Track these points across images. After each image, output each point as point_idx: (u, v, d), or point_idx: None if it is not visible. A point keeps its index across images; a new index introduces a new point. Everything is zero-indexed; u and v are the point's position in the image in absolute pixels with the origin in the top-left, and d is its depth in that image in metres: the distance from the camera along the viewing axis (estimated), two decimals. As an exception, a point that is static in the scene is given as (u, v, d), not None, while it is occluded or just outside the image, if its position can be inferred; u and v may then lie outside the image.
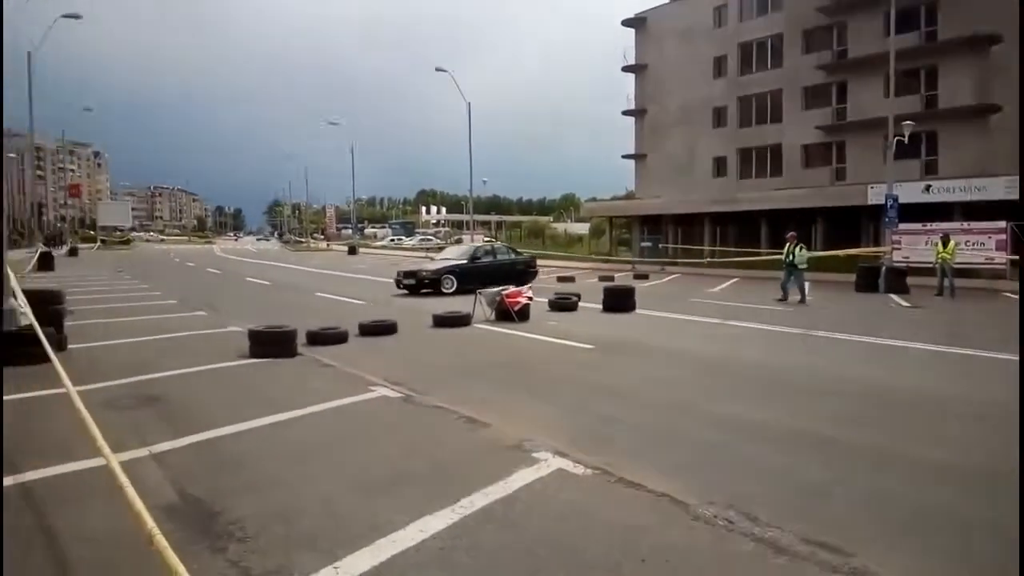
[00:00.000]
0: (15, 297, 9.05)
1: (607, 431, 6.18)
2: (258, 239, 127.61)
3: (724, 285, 25.01)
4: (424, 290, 19.75)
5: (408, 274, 20.59)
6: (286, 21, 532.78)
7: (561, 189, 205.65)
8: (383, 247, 76.79)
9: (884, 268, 22.31)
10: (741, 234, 38.69)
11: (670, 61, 45.73)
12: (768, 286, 18.53)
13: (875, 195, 29.24)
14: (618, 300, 15.67)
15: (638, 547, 3.73)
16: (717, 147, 43.60)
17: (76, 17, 30.55)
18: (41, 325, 8.36)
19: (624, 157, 50.95)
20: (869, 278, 22.10)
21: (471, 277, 19.98)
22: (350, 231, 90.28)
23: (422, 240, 79.00)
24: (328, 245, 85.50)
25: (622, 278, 26.32)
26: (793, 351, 10.78)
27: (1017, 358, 8.82)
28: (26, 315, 8.56)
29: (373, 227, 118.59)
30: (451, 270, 20.47)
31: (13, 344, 8.48)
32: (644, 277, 28.14)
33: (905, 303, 18.31)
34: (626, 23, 48.78)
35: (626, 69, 49.11)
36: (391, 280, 25.19)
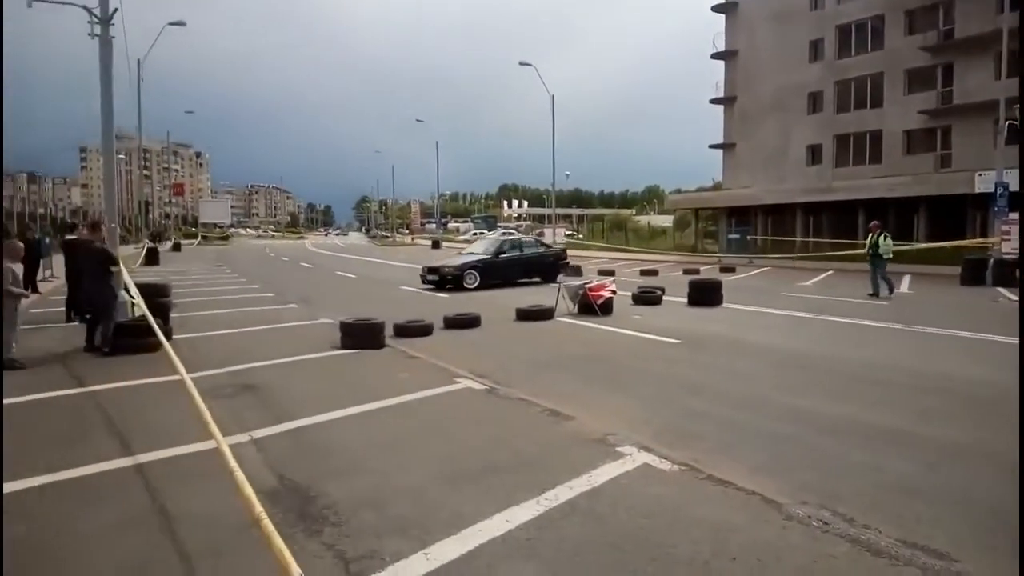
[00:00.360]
0: (127, 290, 9.68)
1: (693, 426, 6.06)
2: (336, 233, 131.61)
3: (817, 279, 24.04)
4: (448, 286, 19.13)
5: (432, 270, 20.10)
6: (374, 27, 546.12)
7: (644, 181, 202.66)
8: (466, 241, 77.71)
9: (992, 260, 20.95)
10: (836, 225, 37.03)
11: (762, 46, 44.20)
12: (865, 279, 17.67)
13: (983, 183, 27.35)
14: (704, 294, 15.32)
15: (728, 545, 3.64)
16: (812, 134, 41.85)
17: (181, 24, 32.25)
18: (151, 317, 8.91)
19: (712, 147, 49.66)
20: (975, 271, 20.81)
21: (495, 272, 19.82)
22: (434, 226, 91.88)
23: (503, 234, 79.42)
24: (413, 240, 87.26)
25: (708, 271, 25.71)
26: (887, 347, 10.27)
27: None
28: (139, 307, 9.13)
29: (456, 222, 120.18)
30: (474, 265, 19.96)
31: (126, 334, 9.08)
32: (731, 270, 27.38)
33: (1013, 297, 17.11)
34: (716, 9, 47.46)
35: (716, 56, 47.81)
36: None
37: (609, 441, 5.41)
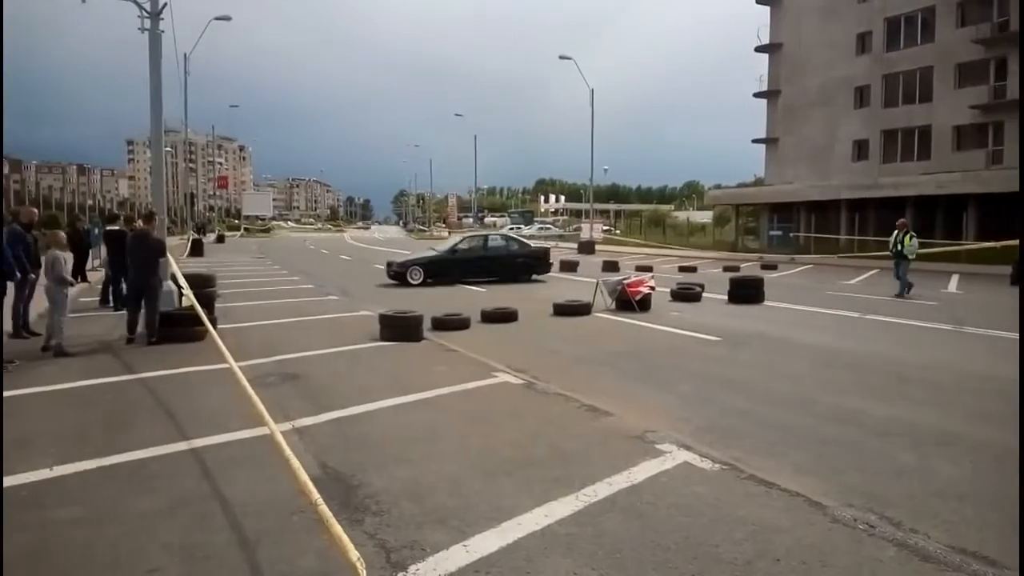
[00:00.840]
0: (175, 280, 9.91)
1: (734, 425, 5.99)
2: (372, 225, 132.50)
3: (862, 277, 23.53)
4: (395, 280, 19.25)
5: (389, 264, 20.34)
6: (413, 22, 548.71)
7: (683, 177, 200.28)
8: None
9: (1044, 260, 20.22)
10: (882, 222, 36.04)
11: (808, 39, 43.29)
12: (914, 278, 17.20)
13: (1037, 180, 26.42)
14: (745, 291, 15.10)
15: (772, 547, 3.59)
16: (858, 129, 40.88)
17: (227, 19, 32.90)
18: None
19: (754, 141, 48.95)
20: (1027, 271, 20.08)
21: (445, 269, 19.60)
22: (471, 220, 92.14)
23: (540, 228, 79.37)
24: (450, 234, 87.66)
25: (749, 268, 25.33)
26: (935, 347, 10.01)
27: None
28: (187, 296, 9.34)
29: (492, 216, 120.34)
30: (417, 262, 19.79)
31: (174, 323, 9.29)
32: (773, 267, 26.94)
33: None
34: (761, 1, 46.64)
35: (759, 49, 47.04)
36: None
37: (648, 438, 5.37)
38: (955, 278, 21.56)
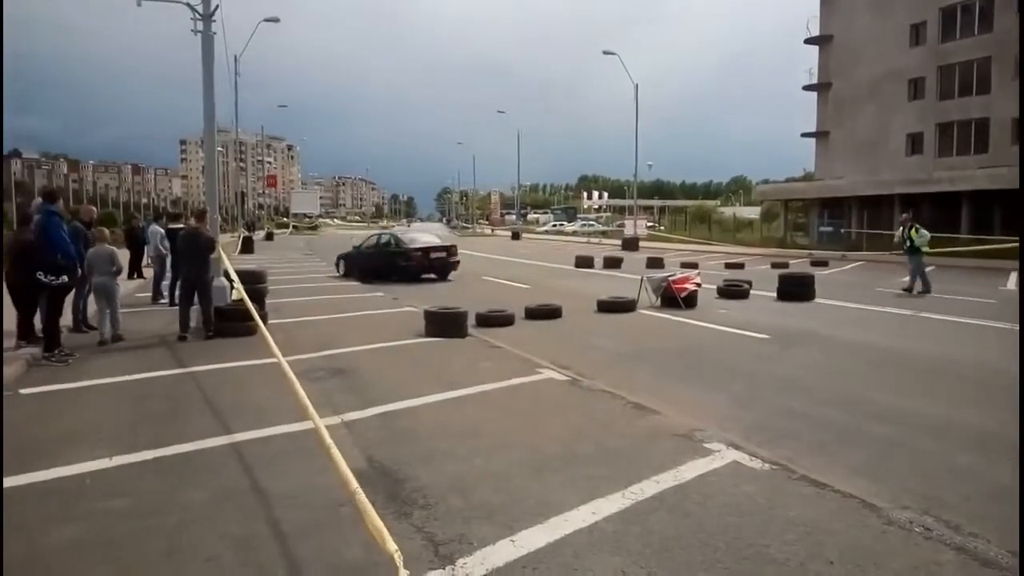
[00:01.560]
0: (227, 275, 10.14)
1: (785, 425, 5.87)
2: (419, 221, 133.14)
3: (915, 274, 22.81)
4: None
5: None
6: (458, 23, 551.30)
7: (730, 172, 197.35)
8: (545, 232, 77.68)
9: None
10: (937, 217, 34.96)
11: (860, 30, 42.12)
12: (969, 275, 16.62)
13: (1103, 173, 25.28)
14: (795, 288, 14.79)
15: (824, 549, 3.51)
16: (912, 122, 39.63)
17: (275, 20, 33.50)
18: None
19: (804, 135, 47.80)
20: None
21: (356, 264, 20.25)
22: (513, 217, 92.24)
23: (583, 225, 79.02)
24: (492, 230, 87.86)
25: (798, 265, 24.80)
26: (993, 346, 9.63)
27: None
28: (238, 291, 9.55)
29: (535, 213, 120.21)
30: (341, 256, 21.19)
31: (225, 318, 9.52)
32: (823, 264, 26.31)
33: None
34: (810, -7, 45.61)
35: (809, 41, 45.90)
36: (554, 265, 25.44)
37: (696, 437, 5.30)
38: (1013, 276, 20.76)
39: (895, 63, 40.00)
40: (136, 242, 16.79)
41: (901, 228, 16.98)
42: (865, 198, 39.04)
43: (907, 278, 16.66)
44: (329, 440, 3.88)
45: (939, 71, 38.24)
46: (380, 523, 2.93)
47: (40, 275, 7.94)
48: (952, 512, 4.00)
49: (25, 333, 8.43)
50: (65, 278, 8.07)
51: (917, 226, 16.91)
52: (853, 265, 27.42)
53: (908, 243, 16.72)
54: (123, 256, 10.34)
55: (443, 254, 20.03)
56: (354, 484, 3.30)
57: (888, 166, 39.73)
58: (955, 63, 37.41)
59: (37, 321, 9.19)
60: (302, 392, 4.96)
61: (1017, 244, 26.47)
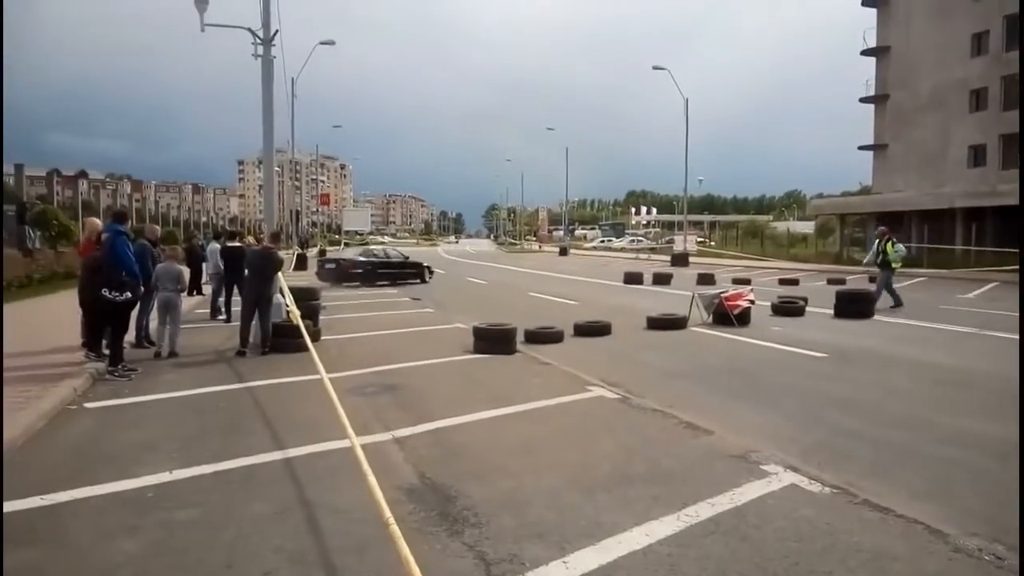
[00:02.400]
0: (282, 293, 10.38)
1: (843, 446, 5.70)
2: (466, 238, 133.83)
3: (980, 290, 22.01)
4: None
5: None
6: (505, 41, 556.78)
7: (782, 186, 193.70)
8: (593, 248, 77.41)
9: None
10: (1003, 232, 33.67)
11: (918, 41, 41.07)
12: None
13: None
14: (853, 305, 14.38)
15: (889, 577, 3.38)
16: (974, 134, 38.35)
17: (331, 43, 34.37)
18: (301, 319, 9.49)
19: (861, 148, 46.69)
20: None
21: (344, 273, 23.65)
22: (561, 233, 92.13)
23: (632, 241, 78.50)
24: (540, 247, 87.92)
25: (855, 281, 24.12)
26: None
27: None
28: (291, 309, 9.77)
29: (583, 229, 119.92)
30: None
31: (282, 334, 9.73)
32: (881, 280, 25.52)
33: None
34: (867, 3, 44.64)
35: (866, 53, 44.94)
36: (602, 281, 25.30)
37: (752, 458, 5.17)
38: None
39: (956, 73, 38.85)
40: (196, 260, 17.32)
41: (876, 241, 16.35)
42: (925, 212, 37.86)
43: (884, 296, 15.78)
44: (367, 466, 3.95)
45: (1003, 81, 36.94)
46: (410, 555, 2.95)
47: (105, 291, 8.27)
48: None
49: (92, 344, 8.77)
50: (129, 294, 8.38)
51: (894, 240, 16.34)
52: (914, 281, 26.53)
53: (881, 257, 16.10)
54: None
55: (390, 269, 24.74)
56: (387, 513, 3.33)
57: (949, 179, 38.52)
58: (1019, 73, 36.08)
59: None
60: (342, 411, 5.06)
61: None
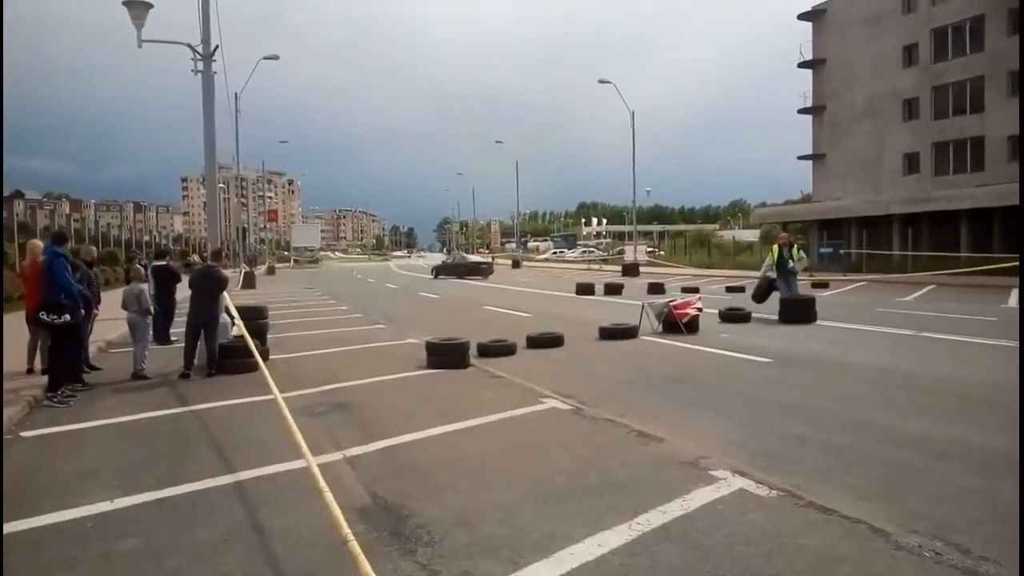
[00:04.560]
0: (228, 312, 10.16)
1: (790, 450, 5.83)
2: (418, 255, 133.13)
3: (917, 293, 22.84)
4: None
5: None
6: (455, 57, 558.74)
7: (728, 196, 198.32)
8: (546, 260, 77.88)
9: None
10: (936, 236, 35.13)
11: (852, 53, 42.66)
12: (972, 293, 16.61)
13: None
14: (796, 310, 14.77)
15: (834, 577, 3.47)
16: (908, 142, 39.96)
17: (275, 58, 33.99)
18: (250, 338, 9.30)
19: (800, 158, 48.12)
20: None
21: None
22: (513, 245, 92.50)
23: (583, 252, 79.24)
24: (493, 259, 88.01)
25: (799, 287, 24.76)
26: (997, 365, 9.58)
27: None
28: (239, 328, 9.57)
29: (535, 240, 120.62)
30: None
31: (228, 355, 9.52)
32: (824, 286, 26.32)
33: None
34: (803, 17, 46.17)
35: (803, 65, 46.44)
36: (555, 292, 25.50)
37: (701, 464, 5.26)
38: (1015, 293, 20.73)
39: (888, 84, 40.47)
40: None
41: (779, 248, 15.94)
42: (864, 218, 39.24)
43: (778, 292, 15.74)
44: (323, 482, 3.88)
45: (933, 91, 38.64)
46: (370, 570, 2.92)
47: (43, 314, 8.05)
48: (962, 536, 3.95)
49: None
50: (68, 317, 8.14)
51: (798, 246, 16.40)
52: (854, 286, 27.42)
53: (788, 263, 15.79)
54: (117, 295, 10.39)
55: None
56: (346, 530, 3.29)
57: (886, 186, 40.02)
58: (948, 83, 37.83)
59: (37, 363, 9.23)
60: (297, 431, 4.96)
61: (1014, 264, 26.57)
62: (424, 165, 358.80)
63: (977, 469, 5.19)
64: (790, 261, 15.82)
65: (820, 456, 5.64)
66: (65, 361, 8.35)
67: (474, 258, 50.07)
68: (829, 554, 3.72)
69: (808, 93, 46.92)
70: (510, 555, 3.75)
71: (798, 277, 16.46)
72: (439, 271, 42.74)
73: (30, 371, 9.23)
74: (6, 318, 15.04)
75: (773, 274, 15.97)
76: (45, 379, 8.60)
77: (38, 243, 9.88)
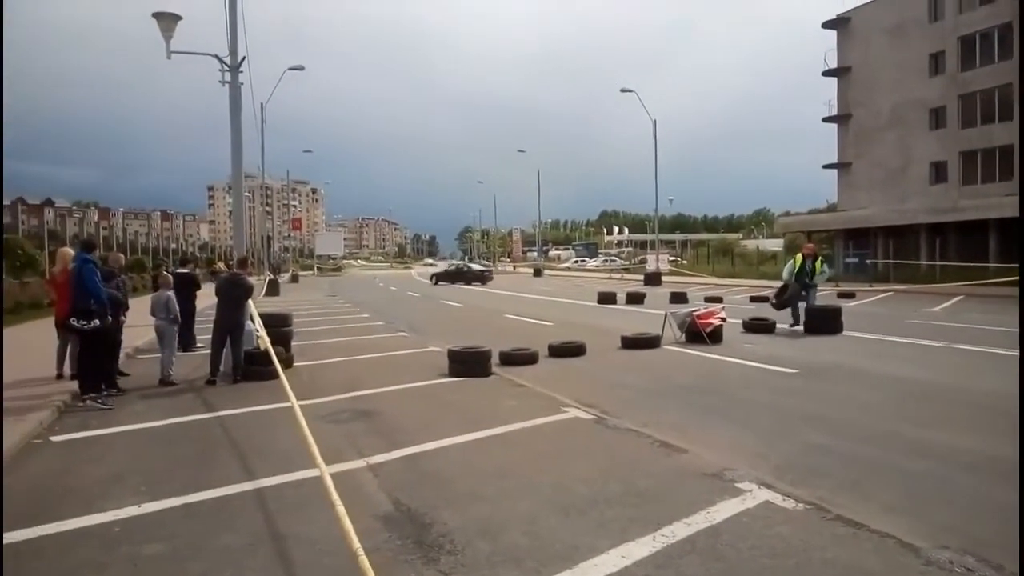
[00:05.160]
0: (253, 320, 10.27)
1: (817, 462, 5.75)
2: (438, 262, 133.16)
3: (946, 304, 22.46)
4: None
5: None
6: (477, 65, 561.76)
7: (751, 205, 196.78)
8: (567, 269, 77.80)
9: None
10: (965, 246, 34.54)
11: (878, 61, 42.23)
12: (1001, 304, 16.30)
13: None
14: (822, 321, 14.58)
15: (863, 593, 3.41)
16: (935, 151, 39.42)
17: (300, 68, 34.37)
18: (273, 345, 9.38)
19: (825, 167, 47.68)
20: None
21: None
22: (535, 254, 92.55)
23: (605, 261, 79.06)
24: (514, 268, 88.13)
25: (824, 297, 24.48)
26: (1018, 376, 9.40)
27: None
28: (261, 337, 9.66)
29: (556, 249, 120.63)
30: None
31: (253, 362, 9.61)
32: (850, 296, 25.99)
33: None
34: (827, 25, 45.83)
35: (827, 73, 46.06)
36: (576, 301, 25.43)
37: (726, 476, 5.20)
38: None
39: (915, 93, 39.99)
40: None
41: (802, 259, 15.37)
42: (890, 228, 38.73)
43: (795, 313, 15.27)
44: (335, 496, 3.91)
45: (960, 99, 38.12)
46: None
47: (72, 320, 8.21)
48: (994, 551, 3.86)
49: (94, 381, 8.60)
50: (97, 322, 8.28)
51: (822, 258, 16.01)
52: (881, 296, 27.05)
53: (810, 275, 15.39)
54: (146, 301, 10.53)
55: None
56: (356, 543, 3.30)
57: (912, 195, 39.47)
58: (976, 91, 37.29)
59: (67, 368, 9.38)
60: (312, 440, 4.99)
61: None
62: (446, 174, 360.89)
63: (1007, 482, 5.05)
64: (812, 273, 15.46)
65: (846, 468, 5.56)
66: (95, 365, 8.47)
67: (476, 266, 54.31)
68: (857, 569, 3.66)
69: (833, 101, 46.52)
70: (533, 565, 3.73)
71: (818, 289, 16.19)
72: (439, 278, 46.14)
73: (59, 376, 9.39)
74: (35, 324, 15.39)
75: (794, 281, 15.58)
76: (75, 384, 8.75)
77: (68, 251, 10.07)
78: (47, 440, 6.68)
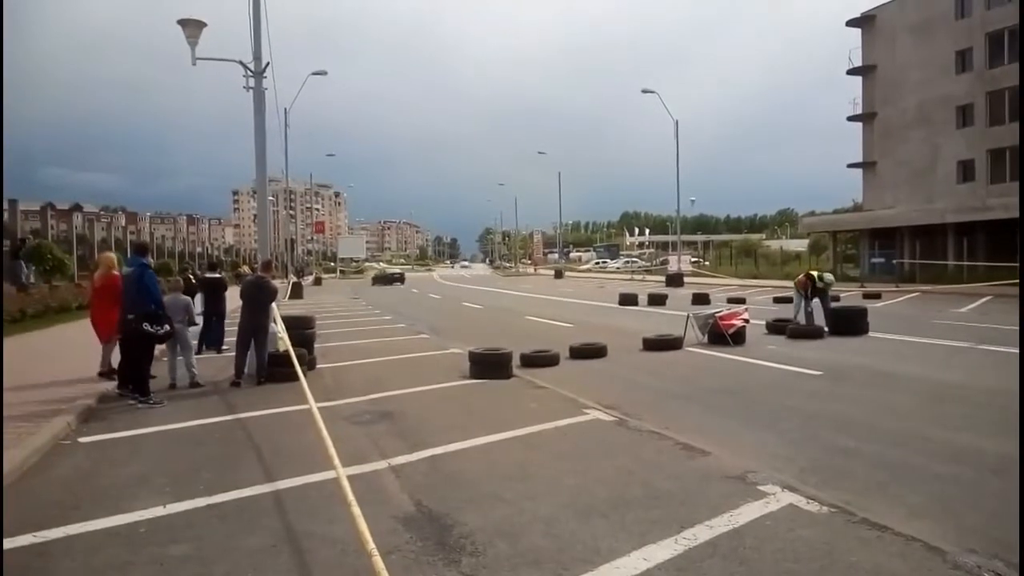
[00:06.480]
0: (275, 323, 10.37)
1: (841, 464, 5.69)
2: (462, 266, 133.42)
3: (974, 304, 22.08)
4: None
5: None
6: (497, 66, 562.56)
7: (775, 205, 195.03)
8: (588, 270, 77.62)
9: None
10: (993, 246, 33.91)
11: (903, 59, 41.65)
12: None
13: None
14: (847, 322, 14.41)
15: (889, 597, 3.36)
16: (962, 149, 38.76)
17: (323, 74, 34.69)
18: (296, 347, 9.47)
19: (850, 166, 47.09)
20: None
21: None
22: (556, 256, 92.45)
23: (626, 262, 78.75)
24: (535, 270, 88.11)
25: (849, 298, 24.19)
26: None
27: None
28: (283, 340, 9.76)
29: (578, 251, 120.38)
30: None
31: (276, 364, 9.70)
32: (876, 297, 25.66)
33: None
34: (851, 23, 45.31)
35: (852, 72, 45.52)
36: (598, 303, 25.36)
37: (749, 479, 5.16)
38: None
39: (941, 90, 39.37)
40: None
41: (802, 291, 15.32)
42: (917, 227, 38.18)
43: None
44: (351, 496, 3.94)
45: (988, 97, 37.46)
46: None
47: (146, 326, 8.21)
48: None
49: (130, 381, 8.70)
50: (167, 327, 8.41)
51: (818, 274, 15.70)
52: (907, 296, 26.67)
53: (821, 283, 15.25)
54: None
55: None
56: (371, 545, 3.32)
57: (939, 194, 38.86)
58: (1004, 88, 36.59)
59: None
60: (329, 441, 5.03)
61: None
62: (466, 176, 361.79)
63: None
64: (815, 295, 15.19)
65: (871, 471, 5.49)
66: (144, 367, 8.57)
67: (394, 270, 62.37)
68: (883, 572, 3.61)
69: (858, 100, 45.96)
70: (554, 567, 3.73)
71: (831, 288, 16.00)
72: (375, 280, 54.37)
73: (102, 375, 9.46)
74: (67, 327, 15.65)
75: (810, 307, 15.23)
76: (104, 385, 8.89)
77: (111, 256, 10.19)
78: (75, 441, 6.79)
